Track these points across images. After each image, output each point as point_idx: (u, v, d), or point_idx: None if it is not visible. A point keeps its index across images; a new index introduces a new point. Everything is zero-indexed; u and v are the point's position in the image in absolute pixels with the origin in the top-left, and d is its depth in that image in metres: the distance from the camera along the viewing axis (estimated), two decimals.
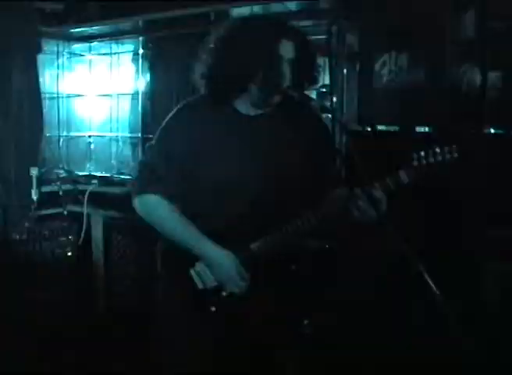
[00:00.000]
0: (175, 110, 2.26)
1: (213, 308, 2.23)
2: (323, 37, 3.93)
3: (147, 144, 2.32)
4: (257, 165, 2.20)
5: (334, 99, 3.44)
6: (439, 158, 2.01)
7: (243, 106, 2.24)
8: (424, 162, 2.02)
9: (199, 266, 2.24)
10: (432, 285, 1.77)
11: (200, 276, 2.24)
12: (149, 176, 2.23)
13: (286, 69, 2.12)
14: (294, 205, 2.22)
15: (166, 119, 2.26)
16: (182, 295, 2.29)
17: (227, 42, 2.15)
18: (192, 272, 2.24)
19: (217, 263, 2.20)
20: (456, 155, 2.01)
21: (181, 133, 2.20)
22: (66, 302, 3.75)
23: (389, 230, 1.90)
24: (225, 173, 2.18)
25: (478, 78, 2.88)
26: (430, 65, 2.91)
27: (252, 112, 2.24)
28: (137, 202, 2.26)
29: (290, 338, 2.43)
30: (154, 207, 2.22)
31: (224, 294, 2.23)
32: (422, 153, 2.02)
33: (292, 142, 2.24)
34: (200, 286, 2.24)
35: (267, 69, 2.10)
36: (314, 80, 2.25)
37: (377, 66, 3.07)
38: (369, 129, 3.10)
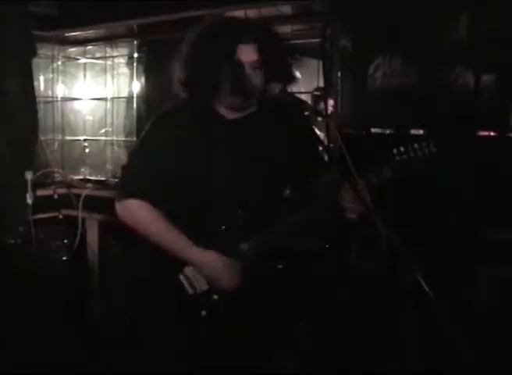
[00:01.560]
0: (155, 116, 2.27)
1: (203, 313, 2.22)
2: (316, 40, 3.97)
3: (129, 151, 2.34)
4: (242, 167, 2.21)
5: (330, 102, 3.45)
6: (419, 152, 2.11)
7: (224, 109, 2.24)
8: (405, 156, 2.11)
9: (188, 271, 2.23)
10: (424, 285, 1.77)
11: (190, 280, 2.23)
12: (131, 182, 2.23)
13: (252, 73, 2.11)
14: (281, 205, 2.24)
15: (147, 126, 2.26)
16: (171, 300, 2.27)
17: (193, 49, 2.16)
18: (181, 277, 2.23)
19: (201, 264, 2.19)
20: (434, 149, 2.10)
21: (162, 139, 2.20)
22: (61, 307, 3.72)
23: (377, 225, 1.90)
24: (209, 176, 2.19)
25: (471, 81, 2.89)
26: (424, 67, 2.90)
27: (232, 115, 2.24)
28: (119, 207, 2.24)
29: (285, 340, 2.42)
30: (137, 212, 2.20)
31: (215, 297, 2.22)
32: (402, 148, 2.11)
33: (275, 142, 2.25)
34: (190, 291, 2.23)
35: (227, 77, 2.10)
36: (288, 78, 2.21)
37: (371, 69, 3.06)
38: (363, 132, 3.10)
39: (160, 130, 2.23)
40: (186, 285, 2.22)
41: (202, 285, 2.22)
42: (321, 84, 3.92)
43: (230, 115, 2.24)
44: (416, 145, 2.11)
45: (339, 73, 3.59)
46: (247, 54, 2.10)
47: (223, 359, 2.25)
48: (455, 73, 2.90)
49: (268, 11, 3.88)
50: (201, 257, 2.19)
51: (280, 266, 2.34)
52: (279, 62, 2.15)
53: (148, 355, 2.39)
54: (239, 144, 2.22)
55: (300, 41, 4.01)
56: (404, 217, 2.75)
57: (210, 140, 2.21)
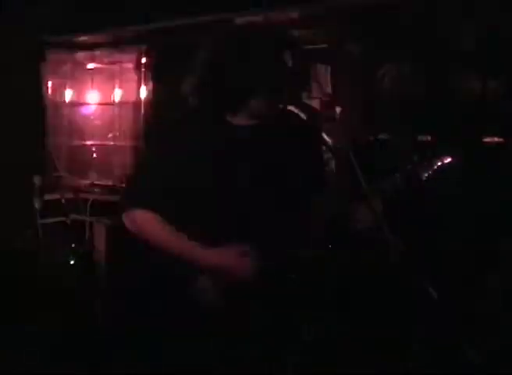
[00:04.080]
0: (163, 125, 2.24)
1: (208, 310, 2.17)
2: (324, 46, 3.98)
3: (136, 160, 2.28)
4: (251, 176, 2.17)
5: (337, 109, 3.45)
6: (432, 162, 2.11)
7: (236, 118, 2.19)
8: (417, 166, 2.12)
9: (202, 281, 2.18)
10: (431, 290, 1.77)
11: (204, 291, 2.18)
12: (137, 192, 2.19)
13: (290, 77, 2.09)
14: (290, 215, 2.20)
15: (155, 134, 2.24)
16: (185, 312, 2.20)
17: (228, 56, 2.10)
18: (195, 289, 2.18)
19: (213, 262, 2.14)
20: (448, 160, 2.10)
21: (169, 149, 2.15)
22: (69, 312, 3.72)
23: (386, 235, 1.89)
24: (218, 185, 2.15)
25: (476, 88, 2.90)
26: (431, 75, 2.91)
27: (244, 122, 2.19)
28: (125, 218, 2.19)
29: (290, 344, 2.43)
30: (143, 222, 2.16)
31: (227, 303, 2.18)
32: (416, 158, 2.12)
33: (284, 152, 2.20)
34: (203, 302, 2.17)
35: (273, 81, 2.06)
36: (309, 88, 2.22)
37: (379, 76, 3.07)
38: (372, 138, 3.10)
39: (167, 139, 2.18)
40: (201, 296, 2.18)
41: (217, 295, 2.17)
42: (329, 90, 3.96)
43: (243, 122, 2.22)
44: (428, 154, 2.12)
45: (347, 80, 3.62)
46: (288, 60, 2.08)
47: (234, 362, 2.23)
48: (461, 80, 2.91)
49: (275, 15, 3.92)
50: (212, 255, 2.14)
51: (292, 276, 2.33)
52: (305, 72, 2.20)
53: (156, 361, 2.39)
54: (249, 155, 2.18)
55: (309, 47, 4.05)
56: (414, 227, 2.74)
57: (220, 150, 2.17)
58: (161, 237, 2.17)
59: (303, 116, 2.22)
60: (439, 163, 2.11)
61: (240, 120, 2.19)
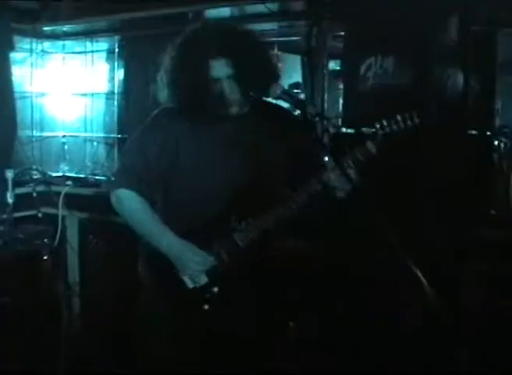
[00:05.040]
0: (154, 113, 2.33)
1: (206, 307, 2.24)
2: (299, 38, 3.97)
3: (126, 143, 2.44)
4: (238, 162, 2.25)
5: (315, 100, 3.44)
6: (402, 125, 2.09)
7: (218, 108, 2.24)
8: (387, 130, 2.10)
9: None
10: (421, 277, 1.76)
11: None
12: (126, 174, 2.31)
13: (228, 86, 2.13)
14: (276, 199, 2.25)
15: (145, 122, 2.33)
16: (171, 297, 2.28)
17: (171, 64, 2.19)
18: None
19: (171, 247, 2.23)
20: (417, 120, 2.09)
21: (159, 136, 2.27)
22: (40, 308, 3.65)
23: (366, 203, 1.92)
24: (206, 173, 2.23)
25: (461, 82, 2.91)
26: (415, 68, 2.90)
27: (227, 112, 2.24)
28: (113, 196, 2.33)
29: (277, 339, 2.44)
30: (128, 200, 2.29)
31: (215, 290, 2.23)
32: (385, 122, 2.10)
33: (267, 141, 2.27)
34: (190, 285, 2.24)
35: (203, 94, 2.13)
36: (272, 79, 2.19)
37: (362, 69, 3.05)
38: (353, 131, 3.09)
39: (157, 125, 2.30)
40: (186, 279, 2.24)
41: (202, 279, 2.23)
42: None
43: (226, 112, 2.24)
44: (399, 117, 2.09)
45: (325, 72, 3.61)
46: (220, 69, 2.12)
47: (226, 354, 2.29)
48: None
49: (254, 8, 3.88)
50: (172, 240, 2.23)
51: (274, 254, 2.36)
52: (257, 69, 2.14)
53: (144, 354, 2.38)
54: (232, 142, 2.25)
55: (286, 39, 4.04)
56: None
57: (207, 136, 2.25)
58: (139, 217, 2.29)
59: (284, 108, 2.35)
60: (405, 124, 2.09)
61: (222, 110, 2.22)
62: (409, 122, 2.08)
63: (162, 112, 2.32)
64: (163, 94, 2.24)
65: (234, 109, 2.21)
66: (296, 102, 2.15)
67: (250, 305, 2.33)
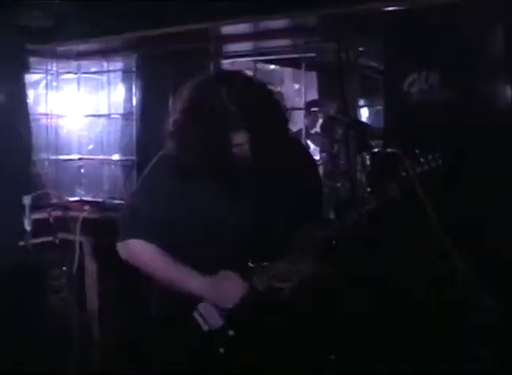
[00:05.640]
0: (155, 159, 2.24)
1: (221, 350, 2.16)
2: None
3: (132, 191, 2.41)
4: (245, 205, 2.19)
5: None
6: (425, 166, 2.10)
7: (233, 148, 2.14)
8: (411, 172, 2.09)
9: (201, 307, 2.18)
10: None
11: (204, 317, 2.18)
12: (132, 222, 2.23)
13: (240, 151, 2.05)
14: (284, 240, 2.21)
15: (148, 168, 2.25)
16: (186, 339, 2.21)
17: (188, 116, 2.07)
18: (195, 314, 2.18)
19: (206, 288, 2.16)
20: (440, 162, 2.09)
21: (163, 181, 2.19)
22: (61, 338, 3.54)
23: None
24: (212, 217, 2.17)
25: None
26: (461, 83, 2.78)
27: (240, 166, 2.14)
28: (120, 247, 2.25)
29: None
30: (139, 252, 2.22)
31: (231, 333, 2.16)
32: (408, 163, 2.09)
33: (278, 179, 2.20)
34: (205, 328, 2.17)
35: (213, 156, 2.04)
36: (280, 122, 2.14)
37: (405, 85, 2.93)
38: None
39: (161, 171, 2.21)
40: (201, 322, 2.18)
41: (217, 321, 2.17)
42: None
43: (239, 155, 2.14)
44: (422, 159, 2.09)
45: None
46: (240, 137, 2.05)
47: None
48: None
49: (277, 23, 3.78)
50: (205, 281, 2.16)
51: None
52: (273, 126, 2.08)
53: None
54: (240, 185, 2.17)
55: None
56: None
57: (213, 180, 2.16)
58: (157, 265, 2.20)
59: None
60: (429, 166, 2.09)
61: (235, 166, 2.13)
62: (433, 163, 2.09)
63: (166, 156, 2.18)
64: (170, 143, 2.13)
65: (246, 163, 2.12)
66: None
67: (267, 349, 2.21)
